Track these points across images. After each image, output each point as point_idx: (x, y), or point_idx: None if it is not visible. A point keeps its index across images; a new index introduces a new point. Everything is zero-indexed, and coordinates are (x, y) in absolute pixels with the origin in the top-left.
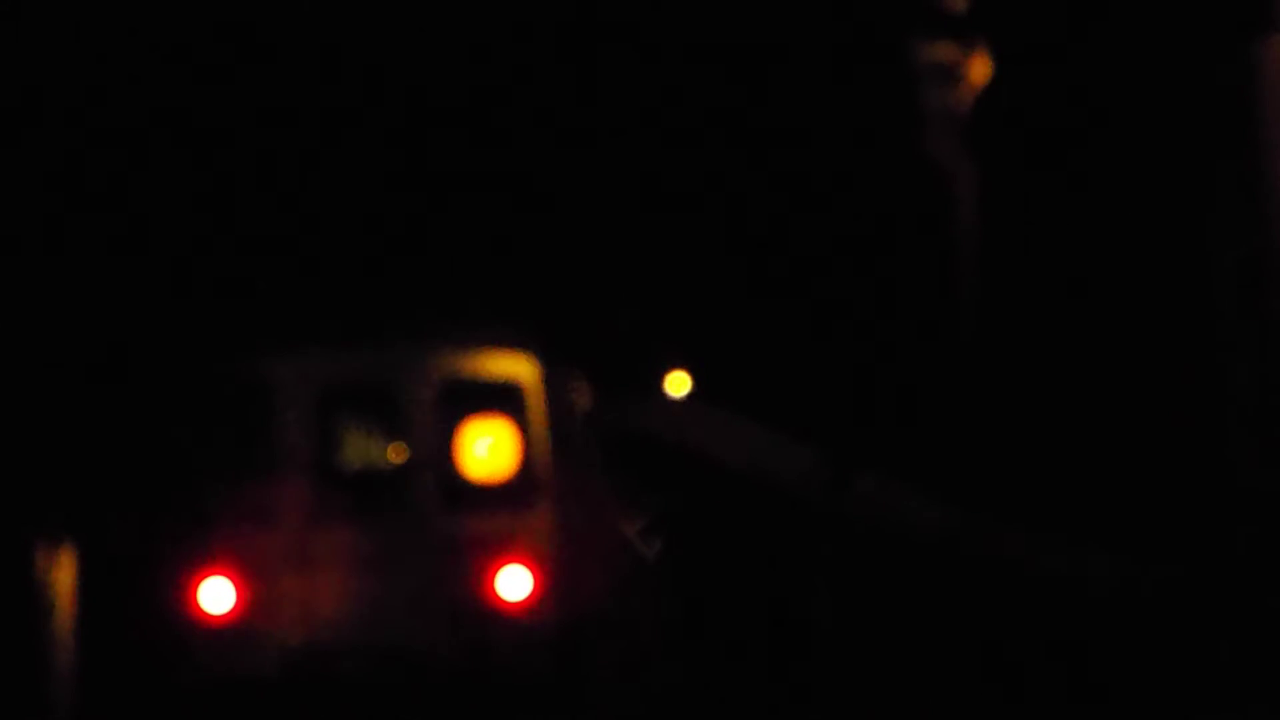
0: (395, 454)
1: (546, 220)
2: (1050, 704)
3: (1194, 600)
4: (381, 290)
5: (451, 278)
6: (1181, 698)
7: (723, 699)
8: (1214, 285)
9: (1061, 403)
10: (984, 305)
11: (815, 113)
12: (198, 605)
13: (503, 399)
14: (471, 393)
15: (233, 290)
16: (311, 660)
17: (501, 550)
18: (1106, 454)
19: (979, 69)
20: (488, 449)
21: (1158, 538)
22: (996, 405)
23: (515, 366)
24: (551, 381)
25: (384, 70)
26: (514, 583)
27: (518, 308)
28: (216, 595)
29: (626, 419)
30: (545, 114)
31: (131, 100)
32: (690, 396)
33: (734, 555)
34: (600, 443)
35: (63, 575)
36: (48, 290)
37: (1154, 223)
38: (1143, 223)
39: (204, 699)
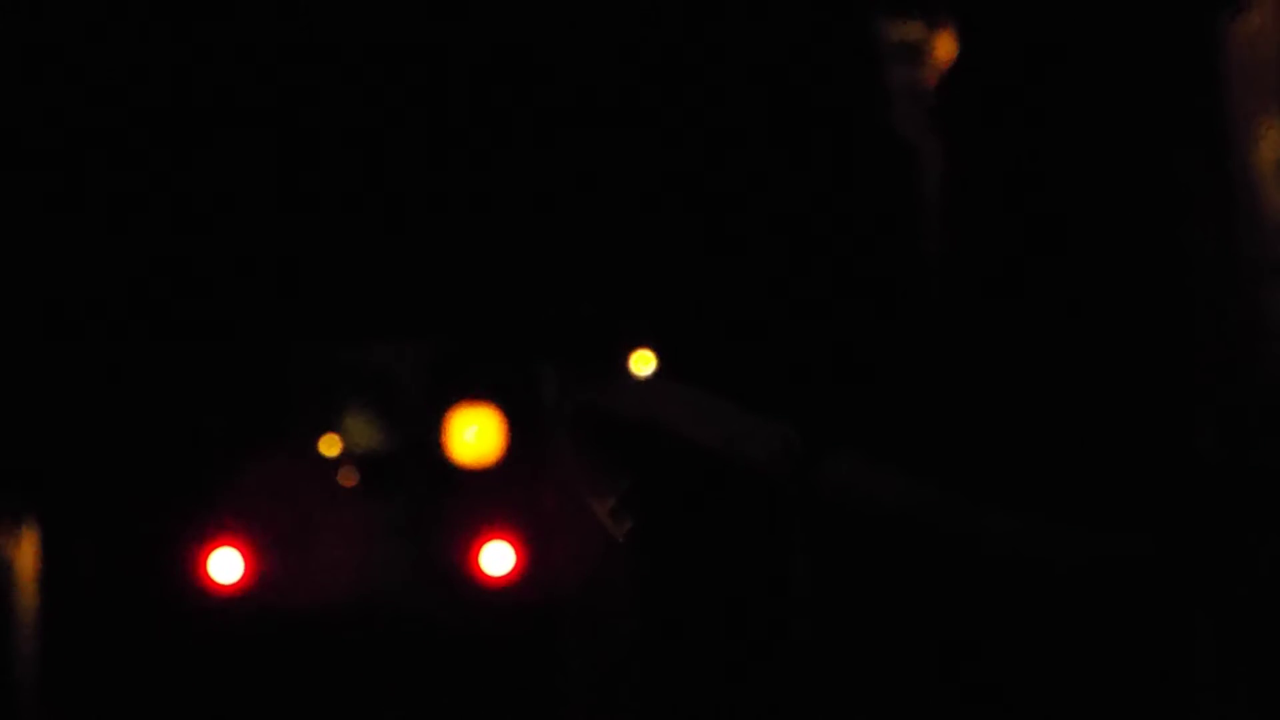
0: (392, 439)
1: (506, 200)
2: (1030, 684)
3: (1167, 576)
4: (378, 287)
5: (428, 264)
6: (1159, 676)
7: (694, 679)
8: (1181, 266)
9: (1029, 380)
10: (950, 282)
11: (779, 90)
12: (208, 575)
13: (489, 390)
14: (461, 384)
15: (240, 273)
16: (313, 627)
17: (488, 528)
18: (1073, 430)
19: (945, 47)
20: (476, 436)
21: (1124, 514)
22: (964, 382)
23: (499, 362)
24: (530, 373)
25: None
26: (498, 556)
27: (484, 291)
28: (225, 566)
29: (595, 399)
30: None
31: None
32: (656, 374)
33: (705, 534)
34: (570, 423)
35: (24, 555)
36: (23, 247)
37: (1122, 201)
38: (1110, 202)
39: (213, 663)
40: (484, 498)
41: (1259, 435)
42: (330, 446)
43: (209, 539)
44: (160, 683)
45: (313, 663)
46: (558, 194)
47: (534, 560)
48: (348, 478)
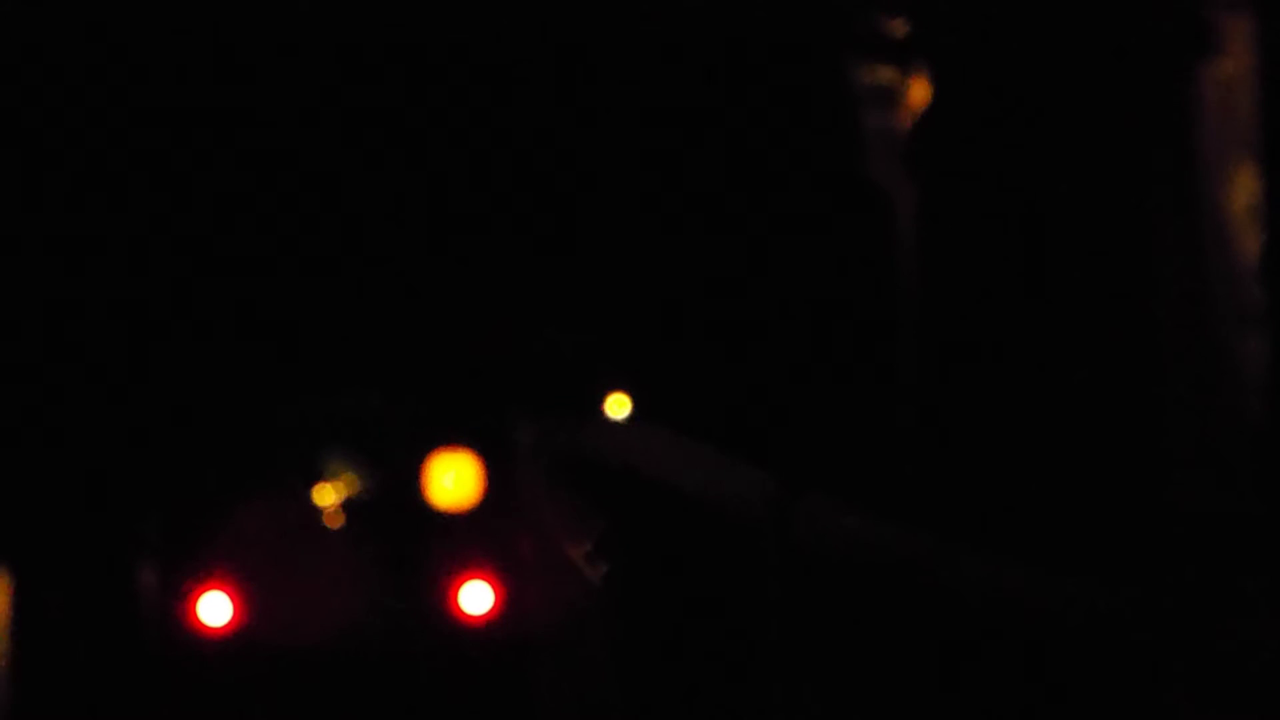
0: (374, 485)
1: (481, 243)
2: None
3: (1153, 623)
4: (357, 340)
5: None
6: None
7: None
8: (1155, 308)
9: (1004, 425)
10: (925, 324)
11: (752, 135)
12: (197, 618)
13: (467, 437)
14: (440, 432)
15: (229, 331)
16: (299, 666)
17: (466, 568)
18: (1049, 477)
19: (918, 92)
20: (454, 481)
21: (1101, 558)
22: (941, 428)
23: (475, 407)
24: (507, 418)
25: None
26: (477, 596)
27: (460, 339)
28: (214, 608)
29: (571, 442)
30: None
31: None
32: (630, 418)
33: (681, 578)
34: (546, 467)
35: None
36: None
37: (1094, 242)
38: (1083, 243)
39: (201, 701)
40: (463, 540)
41: (1233, 484)
42: (324, 496)
43: (198, 583)
44: None
45: (298, 699)
46: (531, 237)
47: (512, 600)
48: (333, 520)
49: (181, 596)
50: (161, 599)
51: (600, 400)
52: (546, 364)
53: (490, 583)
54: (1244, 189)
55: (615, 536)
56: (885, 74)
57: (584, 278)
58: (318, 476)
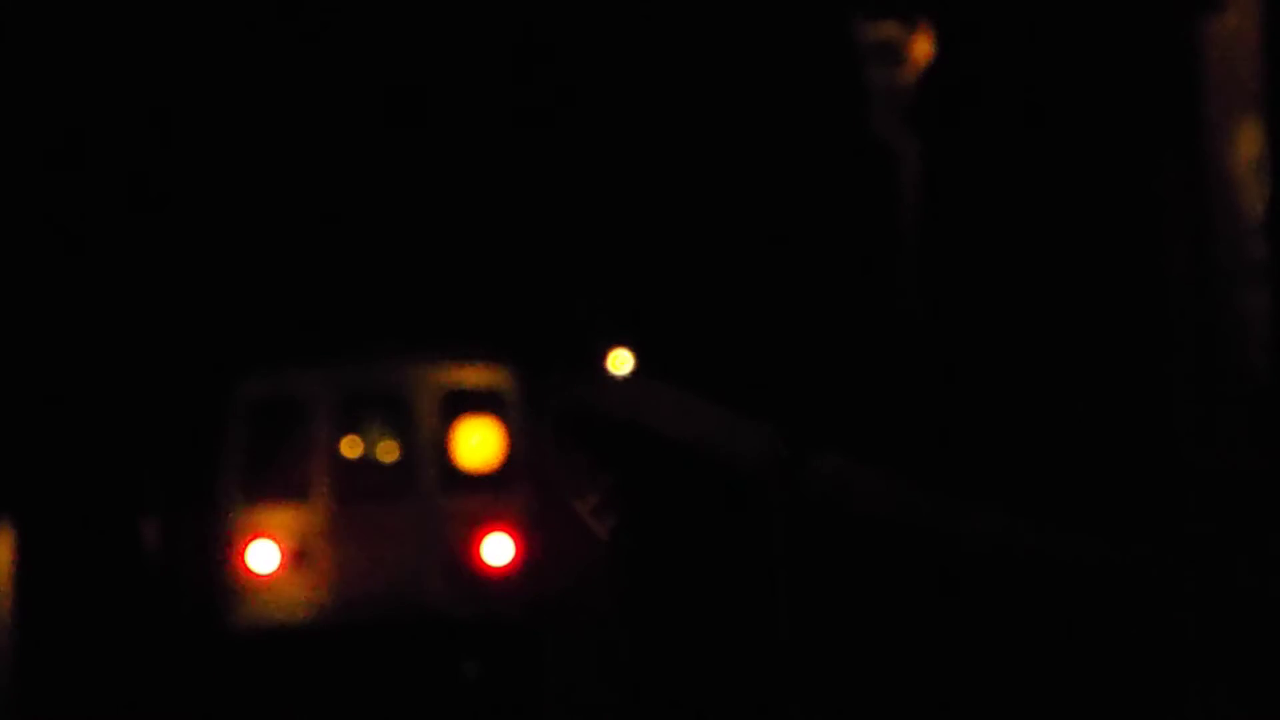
0: (404, 447)
1: (486, 209)
2: (1016, 687)
3: (1161, 579)
4: (390, 312)
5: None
6: (1152, 677)
7: (677, 676)
8: (1161, 268)
9: (1008, 380)
10: (929, 282)
11: (758, 91)
12: (246, 565)
13: (488, 403)
14: (464, 398)
15: (268, 309)
16: (338, 610)
17: (488, 523)
18: (1054, 430)
19: (922, 48)
20: (477, 443)
21: (1106, 515)
22: (945, 383)
23: (497, 376)
24: (524, 385)
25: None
26: (498, 549)
27: (480, 311)
28: (263, 557)
29: (577, 399)
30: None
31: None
32: (633, 374)
33: (689, 533)
34: (552, 424)
35: (1, 554)
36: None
37: (1100, 202)
38: (1088, 202)
39: (249, 644)
40: (486, 498)
41: (1240, 438)
42: (353, 448)
43: (248, 533)
44: (162, 677)
45: (331, 640)
46: (538, 200)
47: (530, 552)
48: (368, 480)
49: (231, 546)
50: (222, 547)
51: (603, 356)
52: (559, 323)
53: (511, 536)
54: (1248, 144)
55: (621, 492)
56: (889, 30)
57: (591, 238)
58: (357, 438)
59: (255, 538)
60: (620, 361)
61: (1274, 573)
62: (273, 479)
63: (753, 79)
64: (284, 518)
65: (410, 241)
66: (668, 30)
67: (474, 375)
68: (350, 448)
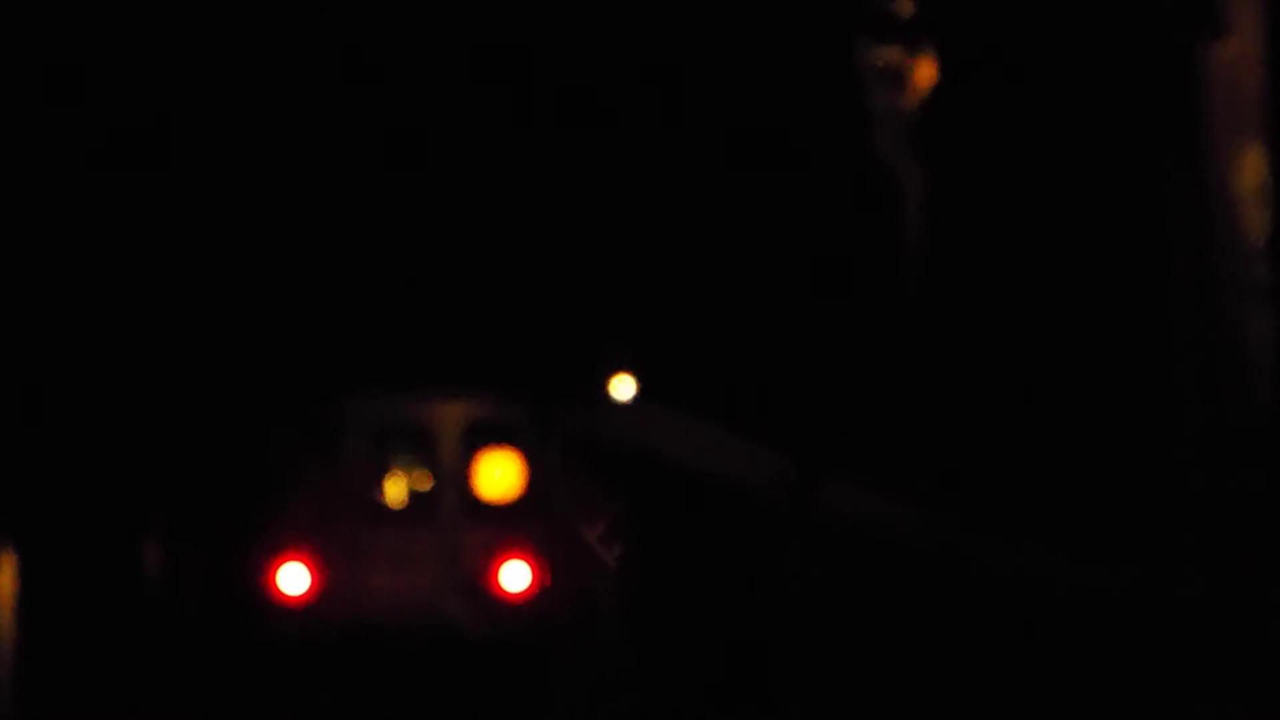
0: (429, 477)
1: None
2: (1022, 711)
3: (1159, 602)
4: (411, 347)
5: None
6: (1155, 700)
7: (685, 700)
8: (1163, 288)
9: (1013, 404)
10: (933, 306)
11: (763, 113)
12: (277, 587)
13: (508, 435)
14: (485, 431)
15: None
16: (365, 630)
17: (507, 551)
18: (1057, 454)
19: (925, 72)
20: (497, 474)
21: (1105, 539)
22: (950, 407)
23: (515, 410)
24: (540, 417)
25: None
26: (516, 575)
27: (497, 348)
28: (294, 579)
29: (583, 427)
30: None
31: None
32: (636, 399)
33: (696, 561)
34: (561, 452)
35: (3, 579)
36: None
37: (1103, 226)
38: (1091, 225)
39: (280, 663)
40: (506, 526)
41: (1240, 461)
42: (381, 478)
43: (280, 555)
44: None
45: (358, 661)
46: (539, 227)
47: (547, 579)
48: (397, 507)
49: (263, 568)
50: (253, 569)
51: (605, 382)
52: (559, 351)
53: (529, 563)
54: (1251, 169)
55: (630, 519)
56: (892, 54)
57: (591, 263)
58: (385, 468)
59: (287, 560)
60: (623, 386)
61: (1276, 596)
62: (306, 505)
63: (753, 99)
64: (316, 542)
65: (429, 281)
66: (671, 55)
67: (494, 409)
68: (378, 477)
